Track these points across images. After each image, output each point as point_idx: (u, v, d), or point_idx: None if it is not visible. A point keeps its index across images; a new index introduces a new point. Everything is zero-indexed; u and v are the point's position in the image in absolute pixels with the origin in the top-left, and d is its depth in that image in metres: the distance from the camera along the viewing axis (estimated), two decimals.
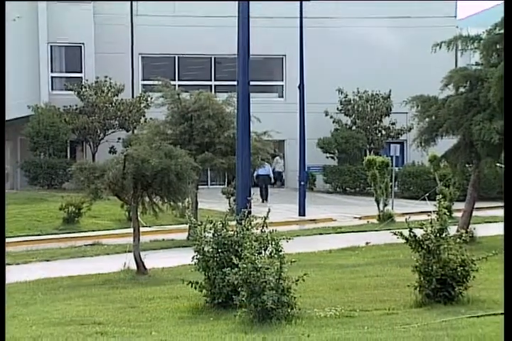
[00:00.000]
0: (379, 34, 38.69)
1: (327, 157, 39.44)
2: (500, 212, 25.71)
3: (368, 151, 39.01)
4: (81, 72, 38.83)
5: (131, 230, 17.34)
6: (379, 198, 27.64)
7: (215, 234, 11.79)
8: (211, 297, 11.57)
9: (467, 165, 21.21)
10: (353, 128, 39.87)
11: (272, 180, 37.07)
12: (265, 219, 11.83)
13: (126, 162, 16.32)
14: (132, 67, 39.54)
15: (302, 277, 10.59)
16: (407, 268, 12.26)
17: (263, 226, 11.76)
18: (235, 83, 17.68)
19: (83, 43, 38.53)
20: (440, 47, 20.73)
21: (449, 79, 20.26)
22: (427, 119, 20.68)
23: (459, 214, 21.79)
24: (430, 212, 12.41)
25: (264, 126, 24.04)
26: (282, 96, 41.40)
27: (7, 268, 17.44)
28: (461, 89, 20.34)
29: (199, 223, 12.21)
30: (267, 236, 11.35)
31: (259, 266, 10.33)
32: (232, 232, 11.80)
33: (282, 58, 40.99)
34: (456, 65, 29.97)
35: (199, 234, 11.84)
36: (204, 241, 11.73)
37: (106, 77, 37.03)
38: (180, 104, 24.03)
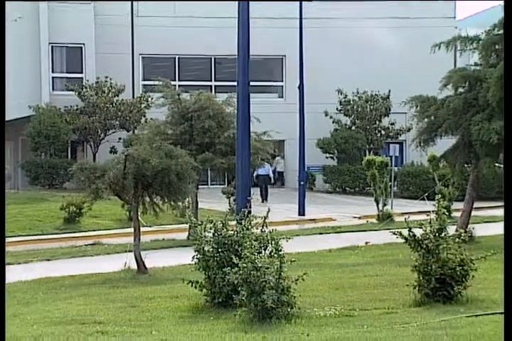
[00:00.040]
0: (378, 35, 38.74)
1: (327, 157, 39.49)
2: (499, 212, 25.87)
3: (367, 151, 39.06)
4: (82, 72, 38.90)
5: (131, 230, 17.35)
6: (378, 198, 27.67)
7: (215, 234, 11.82)
8: (211, 296, 11.60)
9: (466, 165, 21.25)
10: (353, 128, 39.93)
11: (272, 180, 37.11)
12: (265, 218, 11.86)
13: (126, 162, 16.35)
14: (133, 68, 39.58)
15: (302, 276, 10.62)
16: (406, 268, 12.28)
17: (263, 226, 11.78)
18: (235, 83, 17.73)
19: (84, 44, 38.60)
20: (439, 48, 20.77)
21: (448, 80, 20.32)
22: (426, 119, 20.73)
23: (458, 214, 21.82)
24: (429, 211, 12.45)
25: (264, 126, 24.09)
26: (282, 97, 41.45)
27: (8, 267, 17.51)
28: (460, 90, 20.39)
29: (199, 223, 12.24)
30: (266, 236, 11.37)
31: (259, 265, 10.36)
32: (232, 232, 11.82)
33: (282, 59, 41.05)
34: (455, 66, 30.06)
35: (199, 234, 11.87)
36: (204, 241, 11.76)
37: (106, 77, 37.09)
38: (180, 104, 24.07)
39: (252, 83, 17.86)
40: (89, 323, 10.85)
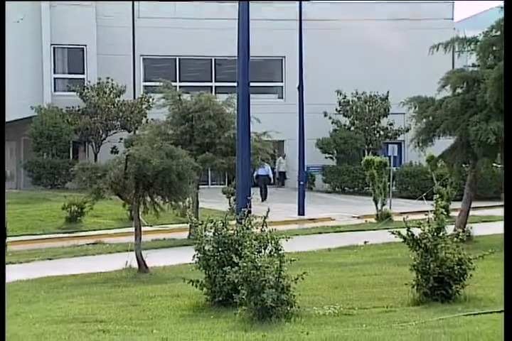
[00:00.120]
0: (377, 36, 38.73)
1: (326, 157, 39.54)
2: (497, 212, 26.00)
3: (366, 151, 39.09)
4: (83, 73, 38.93)
5: (132, 229, 17.40)
6: (377, 198, 27.72)
7: (216, 233, 11.86)
8: (212, 295, 11.64)
9: (464, 165, 21.27)
10: (352, 128, 39.99)
11: (272, 180, 37.20)
12: (265, 218, 11.90)
13: (127, 162, 16.40)
14: (134, 69, 39.62)
15: (301, 275, 10.65)
16: (404, 267, 12.27)
17: (263, 226, 11.82)
18: (235, 84, 17.85)
19: (85, 45, 38.61)
20: (437, 49, 20.85)
21: (446, 81, 20.39)
22: (424, 120, 20.79)
23: (456, 214, 21.83)
24: (427, 211, 12.45)
25: (264, 126, 24.17)
26: (282, 97, 41.49)
27: (10, 266, 17.65)
28: (458, 90, 20.46)
29: (200, 222, 12.29)
30: (266, 235, 11.40)
31: (259, 264, 10.39)
32: (233, 231, 11.86)
33: (282, 60, 41.09)
34: (453, 67, 30.01)
35: (200, 233, 11.91)
36: (205, 240, 11.80)
37: (108, 78, 37.12)
38: (181, 105, 24.14)
39: (252, 84, 17.97)
40: (90, 322, 10.89)
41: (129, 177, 16.39)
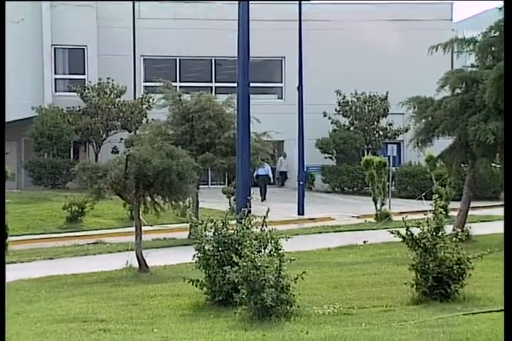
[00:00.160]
0: (377, 36, 38.78)
1: (325, 157, 39.55)
2: (496, 211, 26.07)
3: (365, 151, 39.09)
4: (84, 73, 38.94)
5: (133, 229, 17.40)
6: (376, 197, 27.73)
7: (216, 233, 11.89)
8: (212, 294, 11.66)
9: (463, 165, 21.27)
10: (351, 128, 40.00)
11: (272, 180, 37.26)
12: (265, 218, 11.92)
13: (128, 162, 16.43)
14: (134, 69, 39.62)
15: (301, 275, 10.66)
16: (404, 266, 12.28)
17: (263, 225, 11.84)
18: (235, 85, 17.88)
19: (86, 45, 38.60)
20: (436, 50, 20.87)
21: (445, 81, 20.42)
22: (423, 120, 20.81)
23: (455, 213, 21.87)
24: (427, 211, 12.47)
25: (264, 126, 24.22)
26: (281, 98, 41.50)
27: (12, 266, 17.72)
28: (457, 91, 20.47)
29: (200, 222, 12.32)
30: (266, 235, 11.42)
31: (259, 264, 10.41)
32: (233, 231, 11.89)
33: (281, 60, 41.11)
34: (452, 67, 30.04)
35: (200, 233, 11.95)
36: (205, 240, 11.83)
37: (108, 78, 37.14)
38: (181, 105, 24.18)
39: (251, 84, 18.00)
40: (91, 321, 10.91)
41: (129, 177, 16.42)
